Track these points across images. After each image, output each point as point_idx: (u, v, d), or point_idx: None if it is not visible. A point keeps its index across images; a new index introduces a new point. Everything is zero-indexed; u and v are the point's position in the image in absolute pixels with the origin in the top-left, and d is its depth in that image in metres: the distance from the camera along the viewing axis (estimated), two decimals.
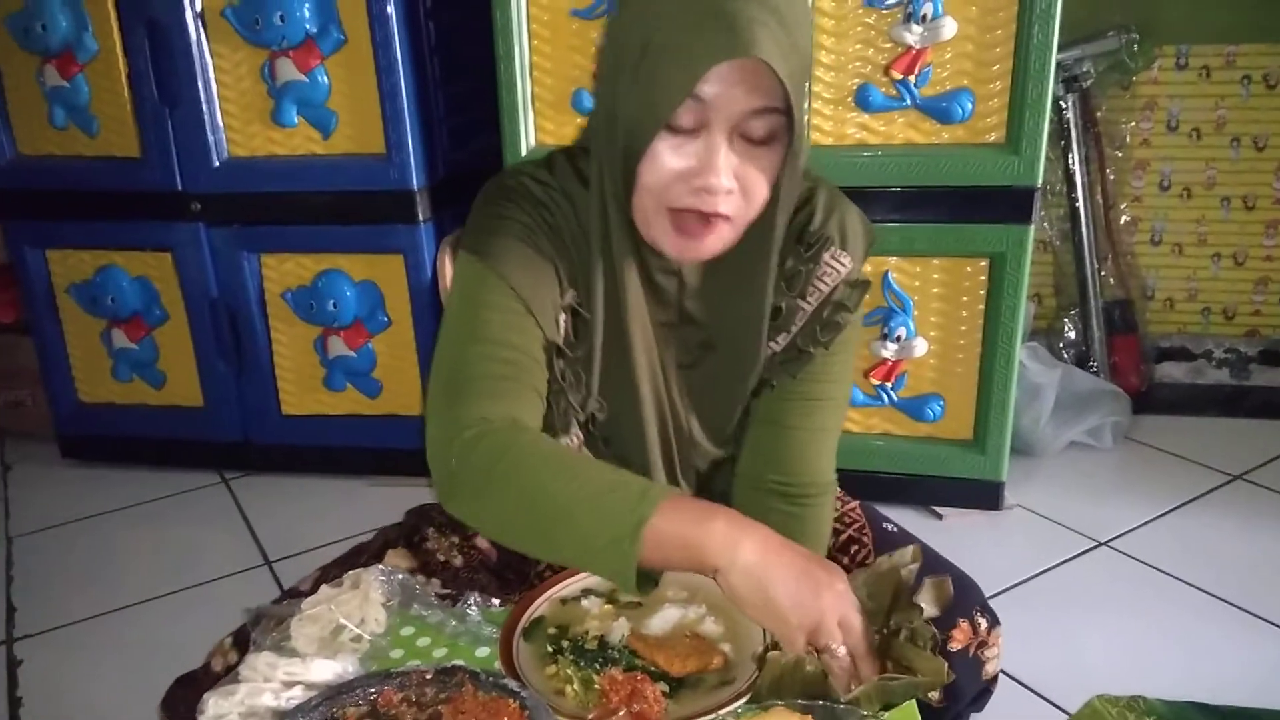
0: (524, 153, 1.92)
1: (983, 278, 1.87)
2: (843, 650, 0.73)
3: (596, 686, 0.75)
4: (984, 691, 0.95)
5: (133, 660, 1.68)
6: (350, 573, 0.91)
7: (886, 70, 1.78)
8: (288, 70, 2.01)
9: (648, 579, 0.77)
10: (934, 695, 0.74)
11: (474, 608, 0.89)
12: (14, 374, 2.51)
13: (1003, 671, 0.98)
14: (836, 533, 1.05)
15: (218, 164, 2.11)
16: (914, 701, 0.75)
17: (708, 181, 0.81)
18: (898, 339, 1.93)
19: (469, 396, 0.83)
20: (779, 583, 0.73)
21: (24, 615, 1.84)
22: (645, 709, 0.72)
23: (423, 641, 0.85)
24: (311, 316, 2.19)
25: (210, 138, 2.08)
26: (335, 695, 0.73)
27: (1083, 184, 2.43)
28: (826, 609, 0.73)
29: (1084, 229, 2.44)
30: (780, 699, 0.73)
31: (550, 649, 0.82)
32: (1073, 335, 2.53)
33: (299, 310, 2.19)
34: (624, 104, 0.81)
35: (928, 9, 1.73)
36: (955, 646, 0.90)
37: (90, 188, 2.19)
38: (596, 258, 0.89)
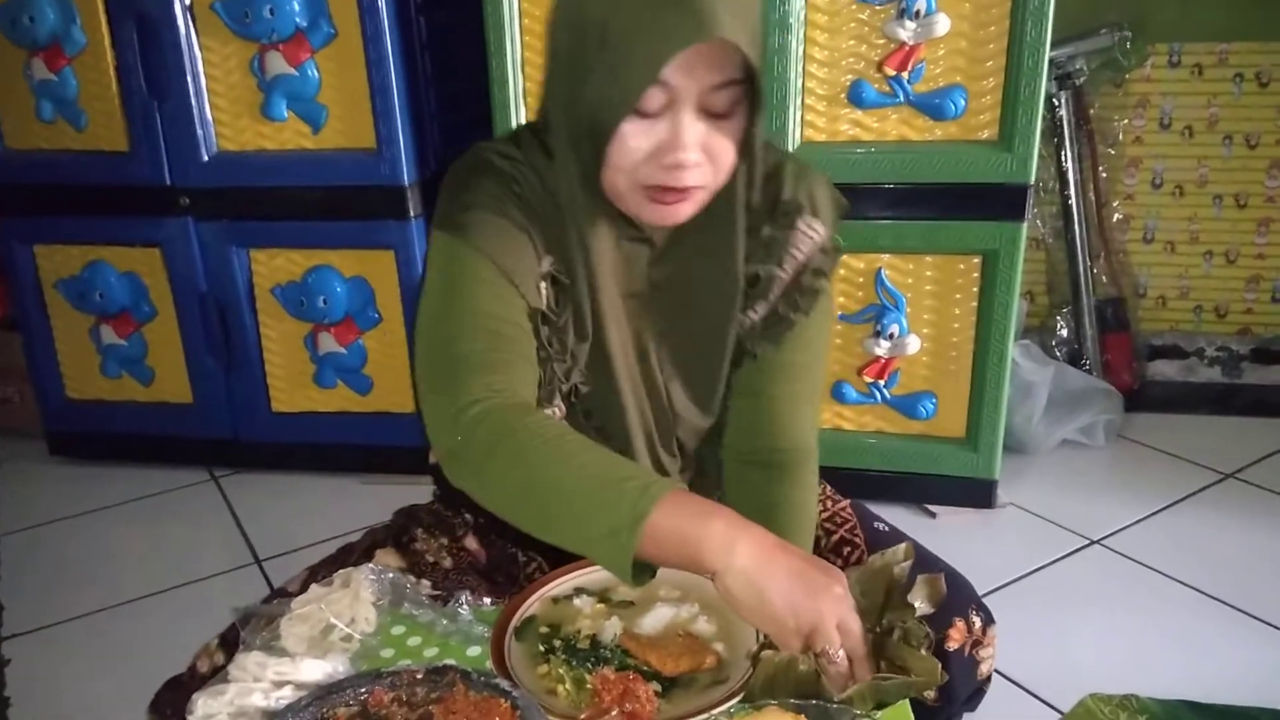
0: None
1: (975, 275, 1.87)
2: (841, 655, 0.72)
3: (589, 686, 0.75)
4: (977, 691, 0.95)
5: (121, 658, 1.67)
6: (340, 571, 0.90)
7: (880, 66, 1.78)
8: (277, 64, 2.00)
9: (645, 569, 0.76)
10: (929, 694, 0.74)
11: (465, 607, 0.88)
12: (1, 371, 2.50)
13: (995, 670, 0.97)
14: (828, 533, 1.04)
15: (207, 158, 2.09)
16: (907, 701, 0.74)
17: (677, 158, 0.81)
18: (890, 336, 1.93)
19: (465, 371, 0.83)
20: (775, 586, 0.73)
21: (11, 614, 1.83)
22: (638, 709, 0.71)
23: (414, 641, 0.85)
24: (302, 312, 2.17)
25: (199, 132, 2.07)
26: (325, 695, 0.73)
27: (1075, 181, 2.43)
28: (825, 613, 0.72)
29: (1076, 226, 2.45)
30: (773, 698, 0.72)
31: (542, 648, 0.81)
32: (1065, 333, 2.54)
33: (289, 306, 2.18)
34: (588, 87, 0.81)
35: (921, 5, 1.73)
36: (950, 646, 0.90)
37: (78, 182, 2.18)
38: (568, 227, 0.89)
